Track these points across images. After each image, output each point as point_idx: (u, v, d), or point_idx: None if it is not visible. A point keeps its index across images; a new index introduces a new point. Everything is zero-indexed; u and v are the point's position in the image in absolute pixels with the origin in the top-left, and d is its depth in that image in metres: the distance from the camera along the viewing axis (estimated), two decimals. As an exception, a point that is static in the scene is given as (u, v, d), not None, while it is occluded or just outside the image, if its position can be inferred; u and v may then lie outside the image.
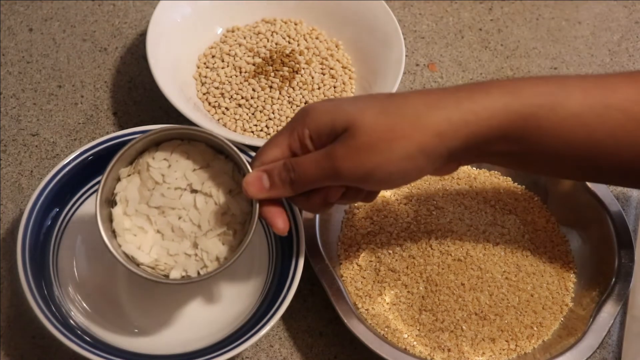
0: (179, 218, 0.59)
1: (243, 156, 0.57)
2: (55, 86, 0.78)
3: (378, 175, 0.52)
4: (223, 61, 0.77)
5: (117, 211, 0.58)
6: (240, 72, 0.76)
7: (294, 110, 0.74)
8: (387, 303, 0.64)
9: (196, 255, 0.58)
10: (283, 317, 0.62)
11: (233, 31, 0.79)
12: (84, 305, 0.63)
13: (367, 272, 0.66)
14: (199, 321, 0.64)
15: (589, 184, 0.67)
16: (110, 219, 0.58)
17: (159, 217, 0.59)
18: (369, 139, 0.51)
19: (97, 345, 0.59)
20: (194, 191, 0.59)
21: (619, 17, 0.87)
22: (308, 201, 0.56)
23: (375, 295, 0.65)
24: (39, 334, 0.64)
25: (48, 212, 0.63)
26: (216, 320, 0.63)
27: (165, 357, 0.60)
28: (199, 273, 0.58)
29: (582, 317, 0.63)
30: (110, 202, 0.59)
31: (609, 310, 0.62)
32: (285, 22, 0.80)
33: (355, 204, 0.70)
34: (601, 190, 0.67)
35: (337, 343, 0.65)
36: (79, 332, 0.59)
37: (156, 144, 0.59)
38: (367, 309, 0.64)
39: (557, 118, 0.52)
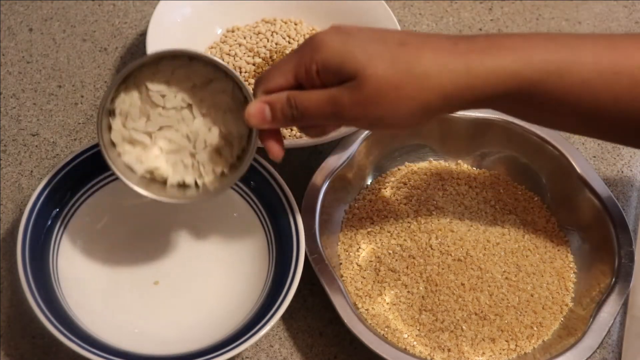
0: (177, 134, 0.59)
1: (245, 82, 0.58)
2: (55, 86, 0.78)
3: (379, 125, 0.55)
4: (223, 61, 0.77)
5: (116, 123, 0.59)
6: (240, 72, 0.76)
7: (294, 110, 0.74)
8: (387, 303, 0.64)
9: (193, 165, 0.59)
10: (283, 317, 0.62)
11: (233, 31, 0.79)
12: (84, 305, 0.63)
13: (367, 272, 0.66)
14: (199, 321, 0.64)
15: (590, 182, 0.67)
16: (109, 130, 0.59)
17: (158, 132, 0.60)
18: (375, 93, 0.52)
19: (98, 345, 0.59)
20: (192, 110, 0.59)
21: (619, 17, 0.87)
22: (305, 128, 0.59)
23: (375, 295, 0.65)
24: (39, 334, 0.64)
25: (48, 212, 0.63)
26: (216, 321, 0.63)
27: (165, 357, 0.60)
28: (196, 184, 0.59)
29: (582, 317, 0.63)
30: (110, 113, 0.59)
31: (609, 310, 0.62)
32: (285, 22, 0.80)
33: (356, 205, 0.70)
34: (601, 190, 0.67)
35: (337, 343, 0.65)
36: (79, 332, 0.59)
37: (158, 60, 0.59)
38: (367, 309, 0.64)
39: (565, 84, 0.52)
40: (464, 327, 0.63)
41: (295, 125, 0.58)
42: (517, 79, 0.52)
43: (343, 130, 0.70)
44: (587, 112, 0.54)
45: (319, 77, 0.54)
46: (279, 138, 0.58)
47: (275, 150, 0.58)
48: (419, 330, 0.63)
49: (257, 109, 0.56)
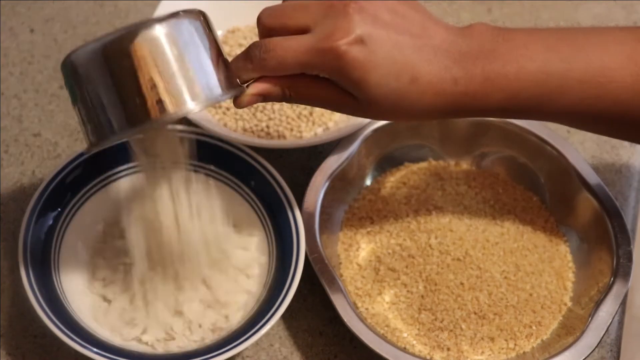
0: None
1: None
2: (57, 87, 0.79)
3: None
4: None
5: None
6: (241, 73, 0.76)
7: (294, 109, 0.74)
8: (387, 302, 0.65)
9: None
10: (283, 316, 0.62)
11: (233, 32, 0.80)
12: (86, 304, 0.63)
13: (367, 272, 0.66)
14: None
15: (588, 182, 0.67)
16: None
17: None
18: (375, 114, 0.58)
19: (99, 344, 0.59)
20: None
21: (617, 18, 0.87)
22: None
23: (375, 295, 0.65)
24: (40, 333, 0.64)
25: (50, 211, 0.64)
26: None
27: (166, 356, 0.60)
28: None
29: (580, 316, 0.63)
30: None
31: (608, 310, 0.62)
32: (286, 23, 0.80)
33: (356, 205, 0.70)
34: (600, 190, 0.67)
35: (337, 342, 0.65)
36: (80, 331, 0.59)
37: None
38: (366, 308, 0.64)
39: (548, 109, 0.57)
40: (463, 326, 0.63)
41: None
42: (502, 112, 0.57)
43: (343, 131, 0.70)
44: (572, 123, 0.60)
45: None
46: None
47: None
48: (418, 329, 0.64)
49: (251, 101, 0.56)
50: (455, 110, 0.56)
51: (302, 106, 0.74)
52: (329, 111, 0.74)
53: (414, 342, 0.63)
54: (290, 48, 0.54)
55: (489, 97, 0.55)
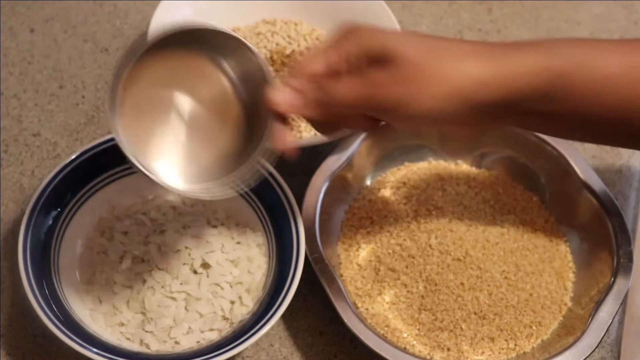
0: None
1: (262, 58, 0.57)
2: (57, 87, 0.79)
3: (410, 109, 0.54)
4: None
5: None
6: (241, 73, 0.76)
7: (294, 110, 0.74)
8: (387, 302, 0.65)
9: None
10: (283, 316, 0.62)
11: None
12: (85, 304, 0.63)
13: (367, 272, 0.66)
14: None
15: (589, 182, 0.67)
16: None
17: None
18: (411, 73, 0.53)
19: (98, 344, 0.59)
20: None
21: (618, 18, 0.87)
22: (319, 124, 0.59)
23: (375, 295, 0.65)
24: (40, 334, 0.64)
25: (49, 212, 0.64)
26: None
27: (166, 356, 0.60)
28: None
29: (581, 316, 0.63)
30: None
31: (608, 310, 0.62)
32: (286, 23, 0.80)
33: (356, 205, 0.70)
34: (600, 189, 0.67)
35: (337, 342, 0.65)
36: (80, 331, 0.59)
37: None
38: (366, 309, 0.64)
39: (592, 79, 0.54)
40: (463, 326, 0.63)
41: (320, 116, 0.56)
42: (543, 69, 0.53)
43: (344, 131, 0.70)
44: (618, 113, 0.55)
45: (357, 62, 0.54)
46: (291, 130, 0.58)
47: (287, 141, 0.58)
48: (418, 329, 0.64)
49: (284, 96, 0.55)
50: (492, 62, 0.54)
51: (302, 106, 0.74)
52: (329, 111, 0.74)
53: (414, 342, 0.63)
54: (311, 52, 0.56)
55: (522, 52, 0.54)
